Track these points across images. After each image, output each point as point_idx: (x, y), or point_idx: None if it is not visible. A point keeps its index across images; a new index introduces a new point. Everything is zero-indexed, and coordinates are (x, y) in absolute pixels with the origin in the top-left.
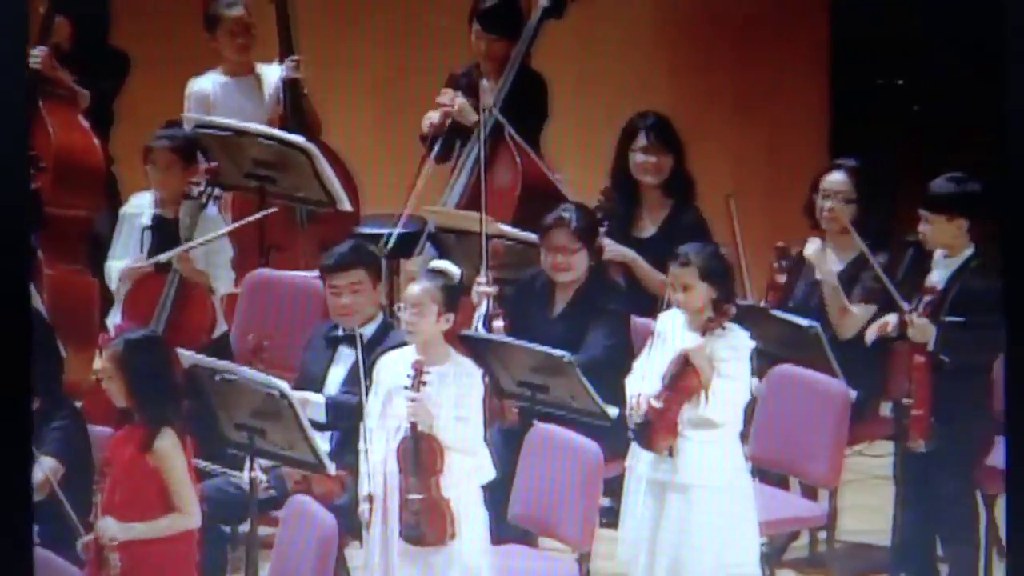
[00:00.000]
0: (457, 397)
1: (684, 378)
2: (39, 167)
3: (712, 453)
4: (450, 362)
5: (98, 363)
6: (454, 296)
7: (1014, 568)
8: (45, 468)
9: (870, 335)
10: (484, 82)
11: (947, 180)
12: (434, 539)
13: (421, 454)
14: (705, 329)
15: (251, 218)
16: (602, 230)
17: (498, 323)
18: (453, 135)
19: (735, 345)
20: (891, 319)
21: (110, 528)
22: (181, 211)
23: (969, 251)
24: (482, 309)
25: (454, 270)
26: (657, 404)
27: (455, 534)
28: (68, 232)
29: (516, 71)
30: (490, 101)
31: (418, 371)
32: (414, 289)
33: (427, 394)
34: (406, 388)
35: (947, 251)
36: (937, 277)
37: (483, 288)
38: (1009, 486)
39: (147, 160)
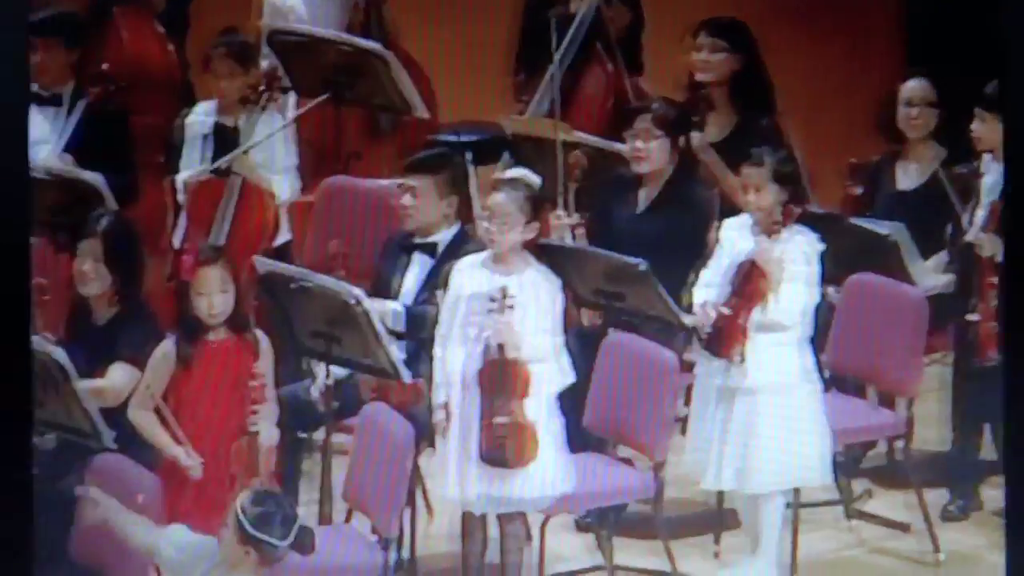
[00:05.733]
0: (538, 307)
1: (752, 282)
2: (117, 85)
3: (780, 356)
4: (530, 271)
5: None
6: (538, 205)
7: (1015, 567)
8: (122, 374)
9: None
10: None
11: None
12: (516, 462)
13: (508, 378)
14: (771, 232)
15: (302, 110)
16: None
17: (580, 231)
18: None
19: (804, 247)
20: None
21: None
22: (241, 117)
23: None
24: (567, 240)
25: (534, 178)
26: (725, 310)
27: (536, 456)
28: (146, 141)
29: None
30: None
31: (504, 294)
32: (498, 199)
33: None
34: (491, 311)
35: (994, 155)
36: (989, 183)
37: (564, 220)
38: (1010, 485)
39: (206, 68)
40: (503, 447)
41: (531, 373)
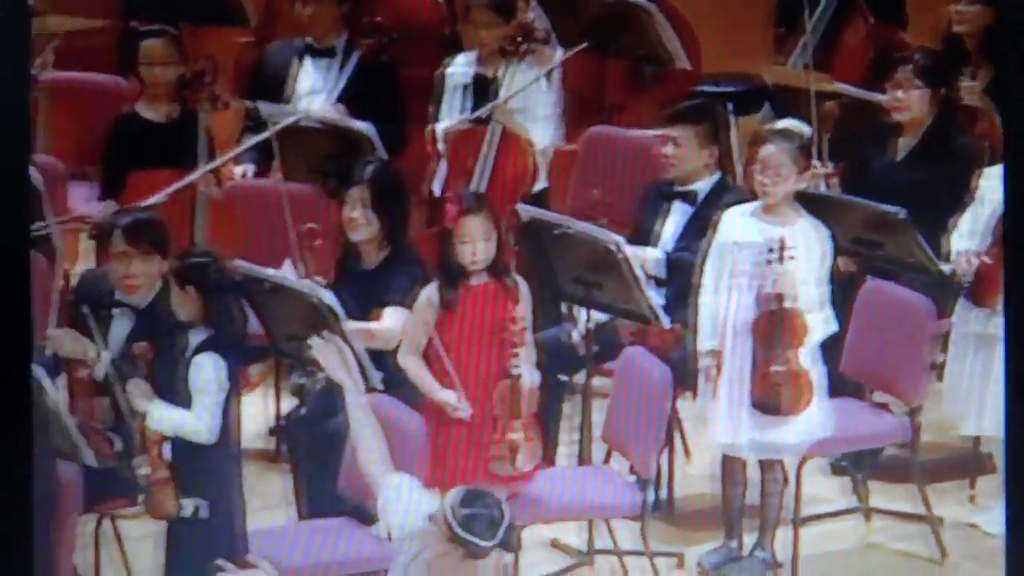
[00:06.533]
0: (810, 257)
1: None
2: (390, 37)
3: None
4: (801, 222)
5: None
6: (808, 156)
7: (1014, 567)
8: (397, 317)
9: None
10: None
11: None
12: (791, 410)
13: (785, 328)
14: None
15: (560, 59)
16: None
17: (833, 181)
18: None
19: None
20: None
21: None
22: (500, 67)
23: None
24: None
25: (804, 128)
26: (987, 259)
27: (811, 404)
28: (416, 91)
29: None
30: None
31: (783, 245)
32: (770, 150)
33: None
34: (770, 262)
35: None
36: None
37: (819, 170)
38: (1009, 485)
39: (465, 19)
40: (778, 395)
41: (807, 323)
